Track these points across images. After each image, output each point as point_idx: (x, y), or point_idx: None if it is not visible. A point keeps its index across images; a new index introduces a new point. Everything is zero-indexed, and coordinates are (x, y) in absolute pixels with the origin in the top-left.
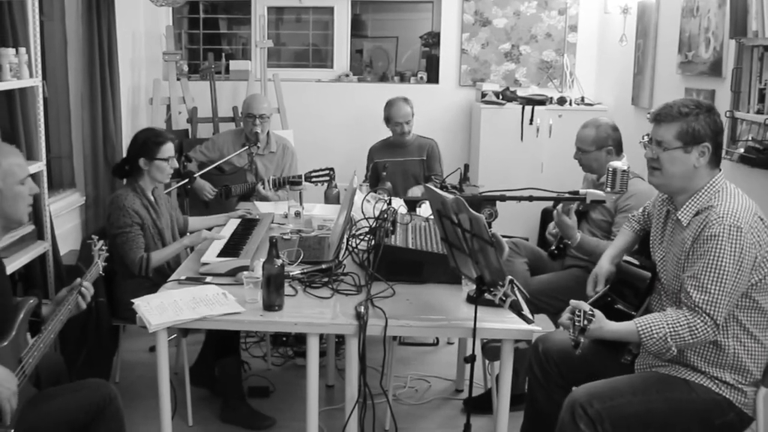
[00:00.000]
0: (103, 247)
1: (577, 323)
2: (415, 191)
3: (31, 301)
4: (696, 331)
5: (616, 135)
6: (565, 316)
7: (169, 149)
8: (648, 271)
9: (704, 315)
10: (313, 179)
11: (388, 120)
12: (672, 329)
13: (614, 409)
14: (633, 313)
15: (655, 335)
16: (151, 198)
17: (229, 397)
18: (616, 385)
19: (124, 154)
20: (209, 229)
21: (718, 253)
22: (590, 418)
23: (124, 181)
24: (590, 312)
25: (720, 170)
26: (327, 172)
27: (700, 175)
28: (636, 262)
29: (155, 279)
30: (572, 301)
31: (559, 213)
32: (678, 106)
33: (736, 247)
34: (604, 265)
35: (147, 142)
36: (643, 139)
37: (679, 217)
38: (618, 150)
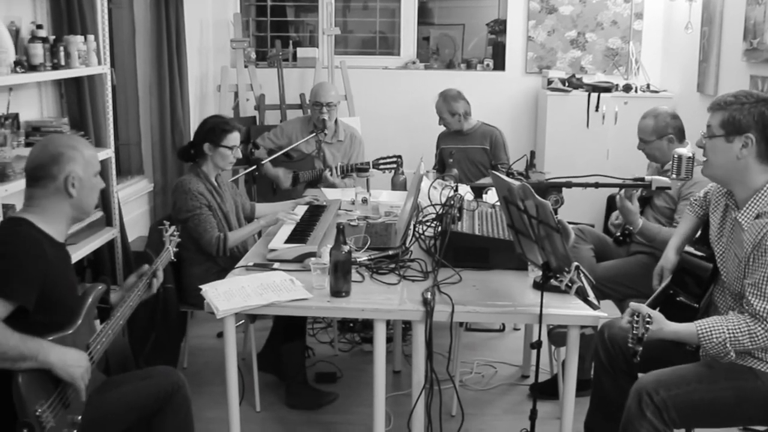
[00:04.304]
0: (175, 233)
1: (635, 330)
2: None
3: (100, 287)
4: (756, 338)
5: (676, 123)
6: (624, 320)
7: (235, 138)
8: (710, 262)
9: (765, 323)
10: (381, 166)
11: None
12: (732, 335)
13: (680, 396)
14: (695, 305)
15: (715, 339)
16: (215, 183)
17: (292, 382)
18: (682, 372)
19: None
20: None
21: None
22: (656, 406)
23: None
24: (649, 318)
25: None
26: (394, 159)
27: (752, 170)
28: (698, 253)
29: (225, 264)
30: (632, 304)
31: (622, 198)
32: (727, 96)
33: None
34: (671, 258)
35: (215, 128)
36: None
37: (740, 220)
38: (680, 137)
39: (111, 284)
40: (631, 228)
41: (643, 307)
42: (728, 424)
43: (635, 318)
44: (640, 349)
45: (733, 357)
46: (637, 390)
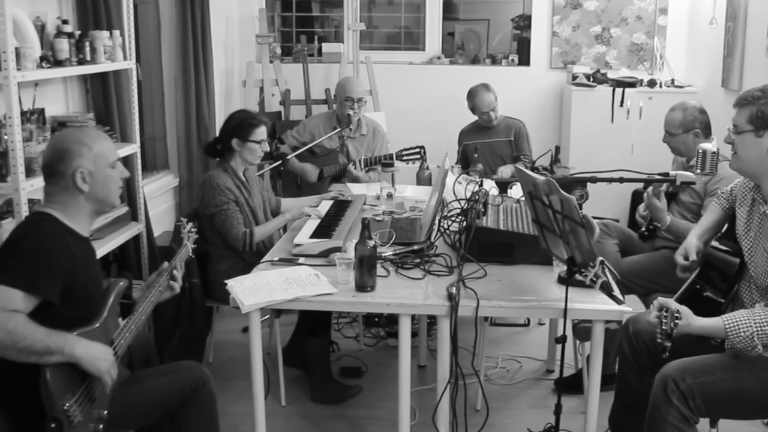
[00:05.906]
0: (192, 229)
1: (664, 326)
2: (505, 171)
3: (121, 283)
4: None
5: (704, 117)
6: (653, 315)
7: (262, 132)
8: (736, 257)
9: None
10: (404, 158)
11: (474, 110)
12: (759, 328)
13: (705, 385)
14: (721, 300)
15: (742, 333)
16: (243, 178)
17: (317, 377)
18: (707, 361)
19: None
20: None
21: None
22: (682, 393)
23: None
24: (677, 313)
25: None
26: (417, 150)
27: None
28: (724, 248)
29: (250, 259)
30: (660, 299)
31: (650, 195)
32: (753, 91)
33: None
34: (693, 241)
35: (242, 124)
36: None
37: None
38: (706, 132)
39: (133, 279)
40: (659, 224)
41: (672, 302)
42: (753, 416)
43: (664, 313)
44: (669, 344)
45: (761, 350)
46: (662, 377)
